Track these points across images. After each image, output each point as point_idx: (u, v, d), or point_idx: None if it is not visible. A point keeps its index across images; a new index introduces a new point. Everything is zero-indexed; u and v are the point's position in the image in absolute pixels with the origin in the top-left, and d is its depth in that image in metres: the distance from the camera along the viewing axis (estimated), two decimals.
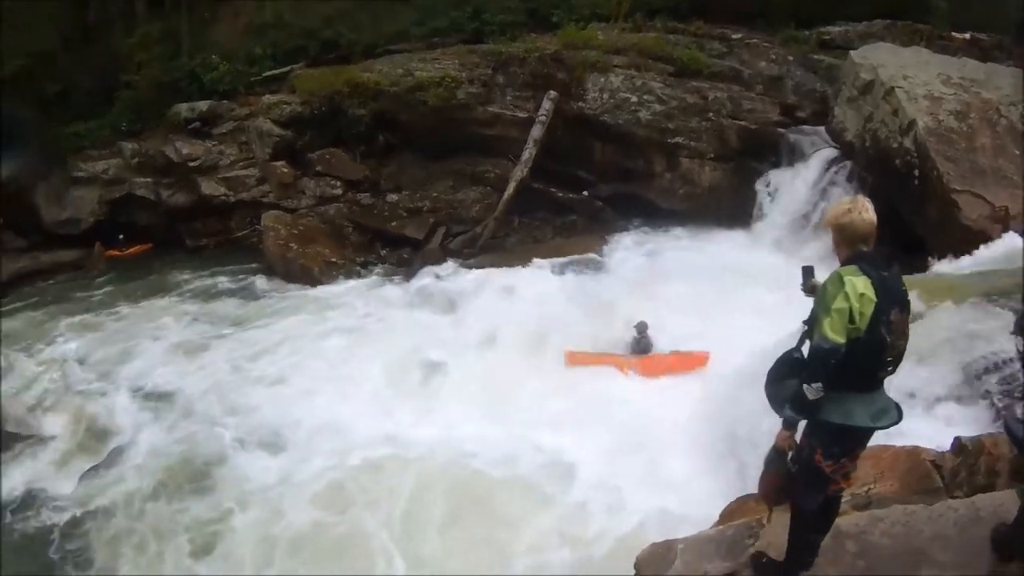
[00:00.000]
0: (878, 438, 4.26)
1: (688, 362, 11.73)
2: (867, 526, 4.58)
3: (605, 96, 17.83)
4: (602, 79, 17.97)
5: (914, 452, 5.64)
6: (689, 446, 9.42)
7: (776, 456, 4.02)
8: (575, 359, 12.33)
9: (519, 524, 8.93)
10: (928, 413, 6.92)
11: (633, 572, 5.31)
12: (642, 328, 12.47)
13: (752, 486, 6.56)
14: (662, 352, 12.18)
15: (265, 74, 22.92)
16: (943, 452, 5.67)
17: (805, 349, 3.94)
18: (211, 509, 10.49)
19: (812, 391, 3.65)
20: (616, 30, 19.39)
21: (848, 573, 4.24)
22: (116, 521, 10.78)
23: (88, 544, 10.47)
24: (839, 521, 4.42)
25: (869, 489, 5.28)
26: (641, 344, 12.36)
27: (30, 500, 11.67)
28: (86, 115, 23.80)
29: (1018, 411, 4.41)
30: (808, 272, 4.22)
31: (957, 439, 5.60)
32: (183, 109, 22.25)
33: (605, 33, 19.13)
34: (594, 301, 14.12)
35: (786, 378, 3.97)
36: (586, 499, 9.10)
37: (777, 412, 4.06)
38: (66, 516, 10.98)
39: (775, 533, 4.45)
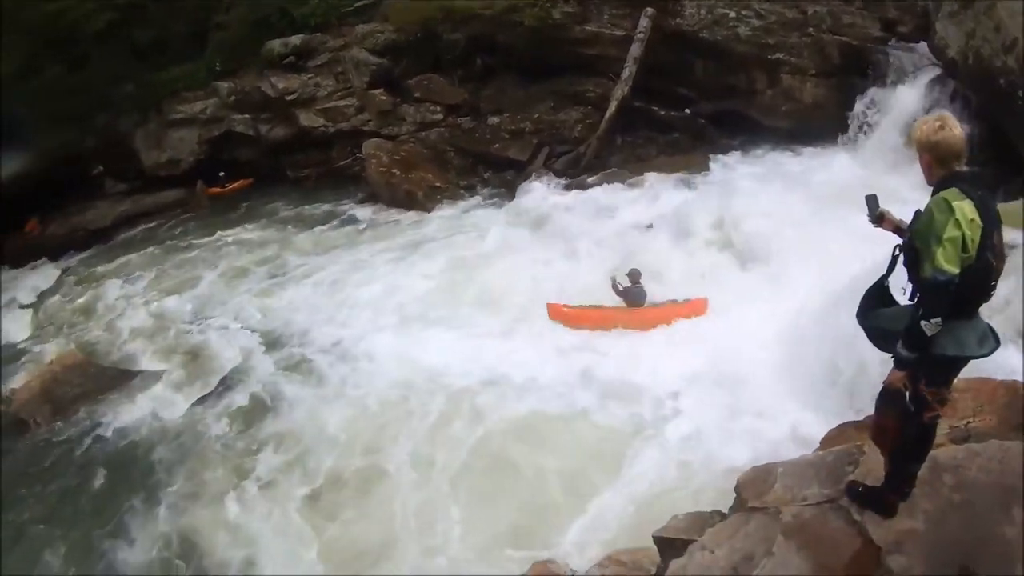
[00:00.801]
0: (977, 368, 4.48)
1: (683, 310, 12.32)
2: (964, 460, 4.78)
3: (703, 12, 18.88)
4: None
5: (1012, 386, 5.75)
6: (788, 372, 10.08)
7: (891, 397, 4.11)
8: (558, 313, 12.95)
9: (624, 451, 9.82)
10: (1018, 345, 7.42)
11: (734, 495, 5.78)
12: (635, 276, 12.80)
13: (852, 413, 7.59)
14: (655, 302, 12.66)
15: (356, 4, 25.61)
16: None
17: (896, 279, 4.19)
18: (317, 435, 11.85)
19: (931, 327, 3.74)
20: None
21: (943, 506, 4.47)
22: (223, 446, 12.33)
23: (192, 467, 12.03)
24: (937, 453, 4.68)
25: (968, 423, 5.40)
26: (631, 293, 12.68)
27: (140, 427, 13.49)
28: (180, 60, 27.10)
29: None
30: (872, 201, 4.32)
31: None
32: (276, 45, 25.24)
33: None
34: (698, 220, 14.89)
35: (877, 308, 4.27)
36: (690, 427, 9.85)
37: (882, 349, 4.23)
38: (174, 443, 12.63)
39: (873, 460, 4.75)
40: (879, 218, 4.33)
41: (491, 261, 15.72)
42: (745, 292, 12.58)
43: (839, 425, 6.40)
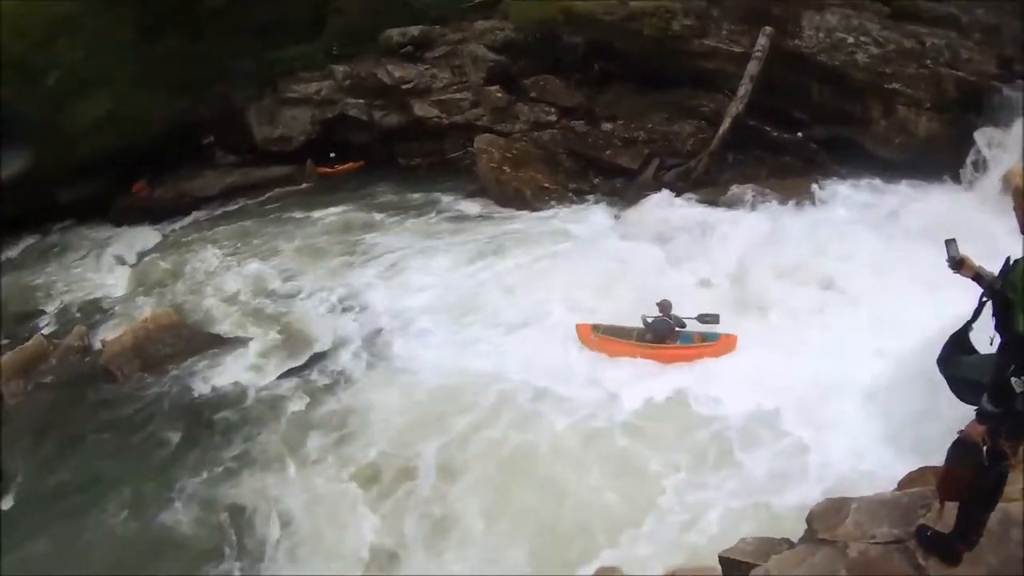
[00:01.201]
0: None
1: (709, 350, 12.92)
2: None
3: (821, 35, 19.63)
4: (817, 17, 19.86)
5: None
6: (873, 410, 10.68)
7: (968, 449, 4.14)
8: (586, 336, 13.70)
9: (712, 463, 10.69)
10: None
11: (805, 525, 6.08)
12: (665, 308, 13.26)
13: (932, 459, 7.13)
14: (687, 332, 13.34)
15: (477, 0, 27.62)
16: None
17: (980, 329, 4.29)
18: (405, 415, 12.95)
19: (1021, 383, 3.79)
20: None
21: (1008, 560, 4.62)
22: (293, 420, 13.53)
23: (259, 436, 13.18)
24: (1009, 507, 4.79)
25: None
26: (656, 326, 13.27)
27: (228, 393, 14.75)
28: (297, 40, 29.46)
29: None
30: (952, 246, 4.34)
31: None
32: (395, 34, 27.40)
33: None
34: (802, 247, 15.58)
35: (959, 356, 4.43)
36: (778, 450, 10.54)
37: (962, 399, 4.32)
38: (251, 410, 13.93)
39: (947, 506, 4.81)
40: (958, 264, 4.36)
41: (590, 265, 16.59)
42: (830, 326, 13.32)
43: (920, 468, 6.63)
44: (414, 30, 27.12)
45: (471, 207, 22.23)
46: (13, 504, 13.13)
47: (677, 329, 13.37)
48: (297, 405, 14.03)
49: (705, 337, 13.24)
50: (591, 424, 11.91)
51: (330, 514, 11.28)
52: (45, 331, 21.36)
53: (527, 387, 12.96)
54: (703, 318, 13.35)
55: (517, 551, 9.92)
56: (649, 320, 13.38)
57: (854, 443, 10.43)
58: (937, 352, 5.02)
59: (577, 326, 14.18)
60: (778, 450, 10.73)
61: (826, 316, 13.83)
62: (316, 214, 25.24)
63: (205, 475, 12.64)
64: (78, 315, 22.75)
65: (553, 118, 23.54)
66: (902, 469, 7.35)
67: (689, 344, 13.18)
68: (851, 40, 19.55)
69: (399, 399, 13.49)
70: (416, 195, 24.59)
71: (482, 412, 12.57)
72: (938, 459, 6.64)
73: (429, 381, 13.81)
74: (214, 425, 13.96)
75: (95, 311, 22.85)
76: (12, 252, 33.73)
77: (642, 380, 12.71)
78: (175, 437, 13.94)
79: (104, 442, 14.35)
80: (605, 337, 13.75)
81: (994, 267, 4.42)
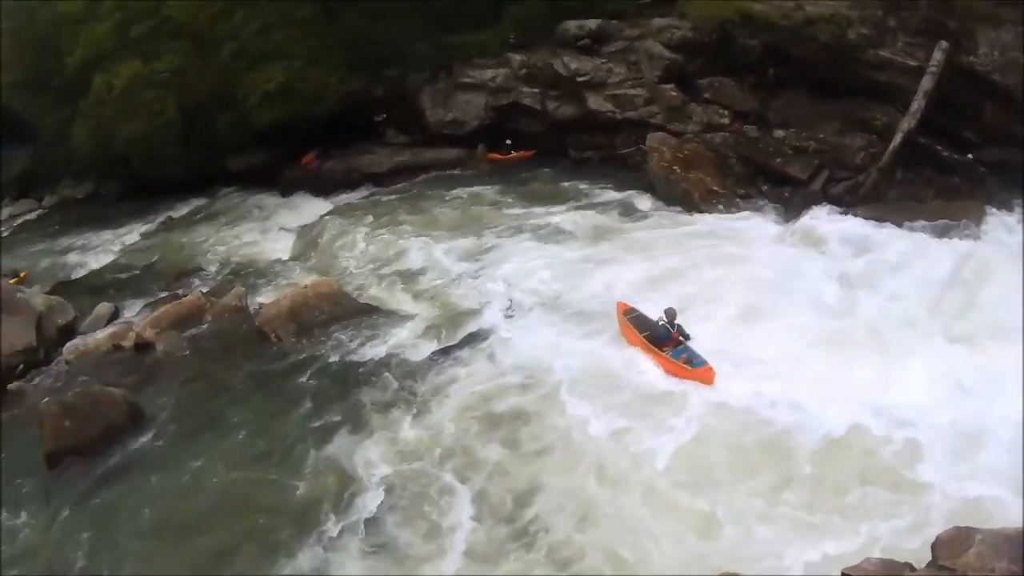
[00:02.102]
0: None
1: (690, 374, 14.56)
2: None
3: (996, 53, 20.57)
4: (993, 33, 20.76)
5: None
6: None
7: None
8: (618, 312, 16.08)
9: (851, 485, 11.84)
10: None
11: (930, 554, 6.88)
12: (669, 314, 15.31)
13: None
14: (684, 347, 15.16)
15: None
16: None
17: None
18: (549, 404, 14.55)
19: None
20: None
21: None
22: (454, 400, 15.09)
23: (424, 406, 14.92)
24: None
25: None
26: (656, 329, 15.40)
27: (377, 365, 16.67)
28: (475, 27, 33.80)
29: None
30: None
31: None
32: (572, 26, 31.54)
33: None
34: (965, 277, 16.68)
35: None
36: (928, 475, 11.53)
37: None
38: (401, 385, 15.69)
39: None
40: None
41: (752, 272, 18.12)
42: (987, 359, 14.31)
43: None
44: (592, 23, 31.13)
45: (639, 203, 24.45)
46: (151, 438, 15.62)
47: (682, 340, 15.34)
48: (442, 384, 15.67)
49: (690, 360, 14.89)
50: (779, 437, 13.08)
51: (427, 500, 12.93)
52: (204, 289, 25.29)
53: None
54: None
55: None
56: (660, 322, 15.58)
57: (995, 472, 11.34)
58: None
59: (617, 303, 16.69)
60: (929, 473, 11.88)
61: (977, 348, 14.82)
62: (484, 198, 28.92)
63: (334, 439, 14.50)
64: (238, 277, 26.75)
65: (726, 121, 26.11)
66: None
67: (676, 359, 14.97)
68: None
69: (529, 387, 15.18)
70: (585, 187, 27.68)
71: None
72: None
73: (566, 370, 15.47)
74: (356, 393, 15.79)
75: (255, 274, 26.77)
76: (178, 212, 39.82)
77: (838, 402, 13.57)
78: (315, 399, 15.82)
79: (246, 395, 16.54)
80: (626, 322, 16.13)
81: None
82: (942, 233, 18.99)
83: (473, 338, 17.42)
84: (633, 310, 16.63)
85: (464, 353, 16.82)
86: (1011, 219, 19.70)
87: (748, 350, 15.59)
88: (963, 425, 12.51)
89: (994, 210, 20.06)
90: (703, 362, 14.81)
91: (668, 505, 12.16)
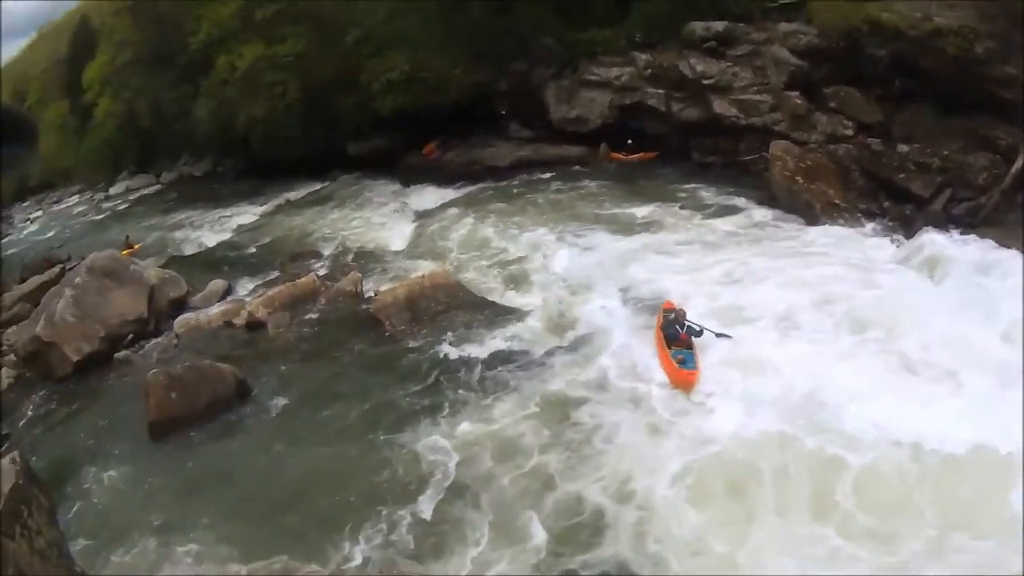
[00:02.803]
0: None
1: (675, 375, 15.62)
2: None
3: None
4: None
5: None
6: None
7: None
8: (657, 322, 17.08)
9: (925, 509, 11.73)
10: None
11: None
12: (680, 315, 16.72)
13: None
14: (681, 350, 16.16)
15: (782, 1, 33.38)
16: None
17: None
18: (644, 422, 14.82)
19: None
20: None
21: None
22: (568, 393, 15.66)
23: (507, 412, 15.46)
24: None
25: None
26: (667, 328, 16.63)
27: (489, 359, 17.51)
28: (600, 23, 36.58)
29: None
30: None
31: None
32: (698, 27, 33.97)
33: None
34: None
35: None
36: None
37: None
38: (529, 387, 16.16)
39: None
40: None
41: (870, 293, 18.23)
42: None
43: None
44: (718, 25, 33.43)
45: (759, 213, 25.46)
46: (255, 415, 16.85)
47: (692, 339, 16.54)
48: (550, 384, 16.17)
49: (684, 362, 15.84)
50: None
51: (508, 509, 13.18)
52: (319, 272, 27.40)
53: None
54: (720, 334, 16.78)
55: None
56: (676, 323, 16.78)
57: None
58: None
59: (665, 302, 18.02)
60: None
61: None
62: (606, 197, 31.08)
63: (437, 429, 15.25)
64: (354, 262, 28.99)
65: (850, 132, 27.21)
66: None
67: (672, 358, 16.04)
68: None
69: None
70: (707, 193, 28.49)
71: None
72: None
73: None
74: (465, 385, 16.52)
75: (370, 261, 28.99)
76: (295, 194, 43.51)
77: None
78: (424, 389, 16.60)
79: (356, 380, 17.47)
80: (659, 319, 17.41)
81: None
82: None
83: (587, 340, 18.02)
84: (672, 310, 17.45)
85: (577, 355, 17.39)
86: None
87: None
88: None
89: None
90: (693, 367, 15.79)
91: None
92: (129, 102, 52.22)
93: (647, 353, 17.11)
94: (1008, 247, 19.91)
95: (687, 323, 16.85)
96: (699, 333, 16.82)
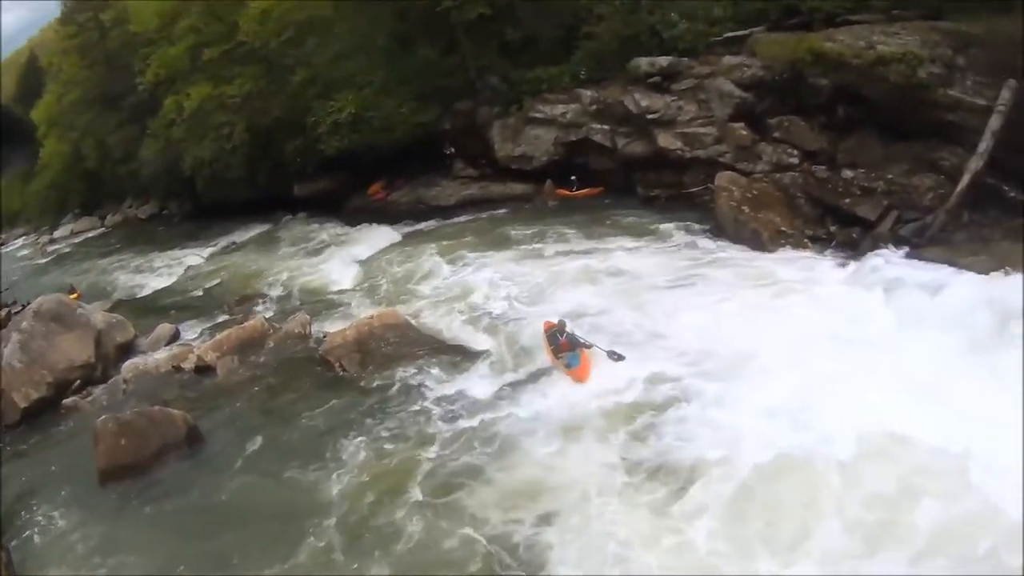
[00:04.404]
0: None
1: (568, 372, 16.79)
2: None
3: None
4: None
5: None
6: None
7: None
8: (544, 337, 18.03)
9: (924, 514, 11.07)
10: None
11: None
12: (561, 325, 17.65)
13: None
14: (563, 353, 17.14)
15: (726, 35, 32.37)
16: None
17: None
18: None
19: None
20: None
21: None
22: (518, 430, 15.19)
23: (494, 446, 14.89)
24: None
25: None
26: (551, 338, 17.70)
27: (448, 397, 16.90)
28: (545, 61, 35.43)
29: None
30: None
31: None
32: (643, 63, 32.80)
33: None
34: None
35: None
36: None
37: None
38: (476, 423, 15.69)
39: None
40: None
41: (812, 316, 18.25)
42: None
43: None
44: (663, 60, 32.30)
45: (706, 243, 24.72)
46: (207, 461, 16.28)
47: (574, 344, 17.40)
48: (502, 424, 15.69)
49: (569, 363, 16.98)
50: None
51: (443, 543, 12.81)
52: (267, 314, 26.52)
53: None
54: (611, 354, 17.17)
55: None
56: (558, 334, 17.65)
57: None
58: None
59: (544, 322, 18.67)
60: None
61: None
62: (551, 234, 29.93)
63: (389, 471, 14.79)
64: (302, 303, 28.03)
65: (795, 160, 26.59)
66: None
67: (559, 360, 17.36)
68: None
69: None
70: (653, 226, 27.37)
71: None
72: None
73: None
74: (416, 426, 16.12)
75: (318, 302, 27.92)
76: (242, 236, 41.86)
77: None
78: (376, 431, 16.08)
79: (307, 423, 17.10)
80: (544, 336, 18.41)
81: None
82: (1008, 274, 18.39)
83: (537, 376, 17.75)
84: (552, 327, 18.23)
85: (527, 393, 17.07)
86: None
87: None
88: None
89: None
90: (577, 364, 16.89)
91: None
92: (76, 143, 50.49)
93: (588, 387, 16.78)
94: (955, 264, 19.77)
95: (567, 332, 17.60)
96: (586, 345, 17.58)
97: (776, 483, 12.22)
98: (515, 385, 17.51)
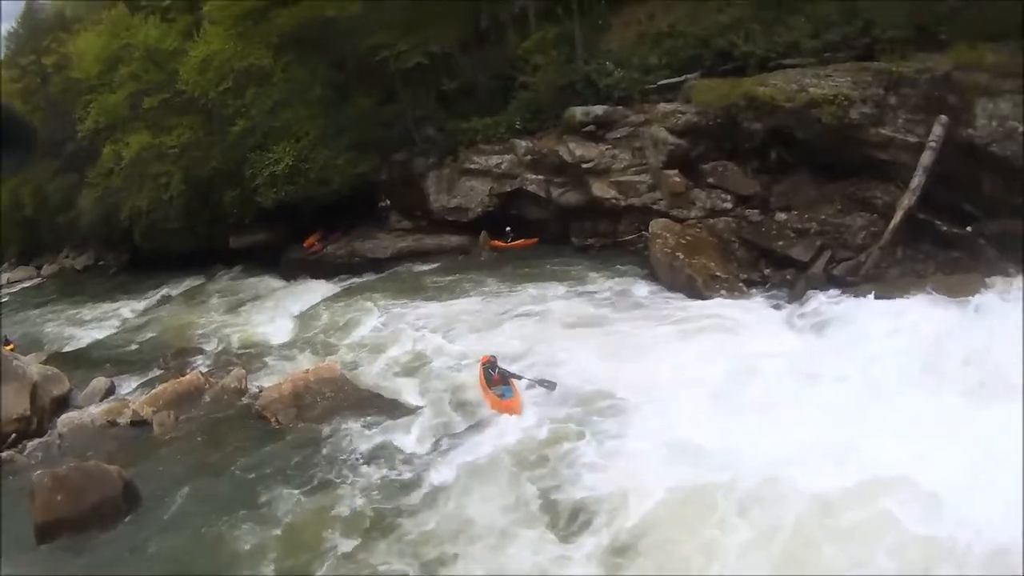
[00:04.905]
0: None
1: (498, 405, 17.09)
2: None
3: (994, 123, 21.03)
4: (991, 104, 21.18)
5: None
6: None
7: None
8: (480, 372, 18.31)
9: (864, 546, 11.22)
10: None
11: None
12: (492, 361, 18.00)
13: None
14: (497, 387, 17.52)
15: (660, 83, 31.80)
16: None
17: None
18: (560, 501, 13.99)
19: None
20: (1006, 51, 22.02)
21: None
22: (454, 488, 14.63)
23: (422, 503, 14.43)
24: None
25: None
26: (487, 375, 17.89)
27: (386, 454, 16.27)
28: (482, 112, 34.62)
29: None
30: None
31: None
32: (578, 112, 32.02)
33: (996, 54, 21.98)
34: (948, 357, 16.48)
35: None
36: (944, 533, 11.10)
37: None
38: (409, 474, 15.35)
39: None
40: None
41: (747, 358, 18.07)
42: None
43: None
44: (598, 109, 31.51)
45: (642, 290, 24.53)
46: (144, 516, 15.67)
47: (507, 378, 17.86)
48: (436, 477, 15.40)
49: (503, 394, 17.35)
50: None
51: None
52: (203, 368, 25.56)
53: None
54: (542, 382, 17.62)
55: None
56: (494, 368, 17.98)
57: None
58: None
59: (482, 356, 18.85)
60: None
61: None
62: (486, 286, 29.17)
63: (326, 528, 14.42)
64: (238, 357, 26.92)
65: (729, 205, 26.38)
66: None
67: (494, 393, 17.60)
68: None
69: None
70: (586, 274, 27.02)
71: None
72: None
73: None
74: (351, 481, 15.71)
75: (255, 356, 26.89)
76: (178, 288, 40.48)
77: None
78: (311, 486, 15.72)
79: (242, 478, 16.51)
80: (480, 371, 18.57)
81: None
82: (942, 306, 19.29)
83: (464, 422, 17.63)
84: (486, 362, 18.49)
85: (453, 439, 16.92)
86: (1011, 289, 19.79)
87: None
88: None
89: (994, 280, 20.28)
90: (511, 396, 17.27)
91: None
92: (13, 190, 48.40)
93: (517, 425, 16.87)
94: (890, 298, 20.10)
95: (499, 368, 18.07)
96: (517, 376, 18.10)
97: (675, 516, 12.49)
98: (443, 432, 17.37)
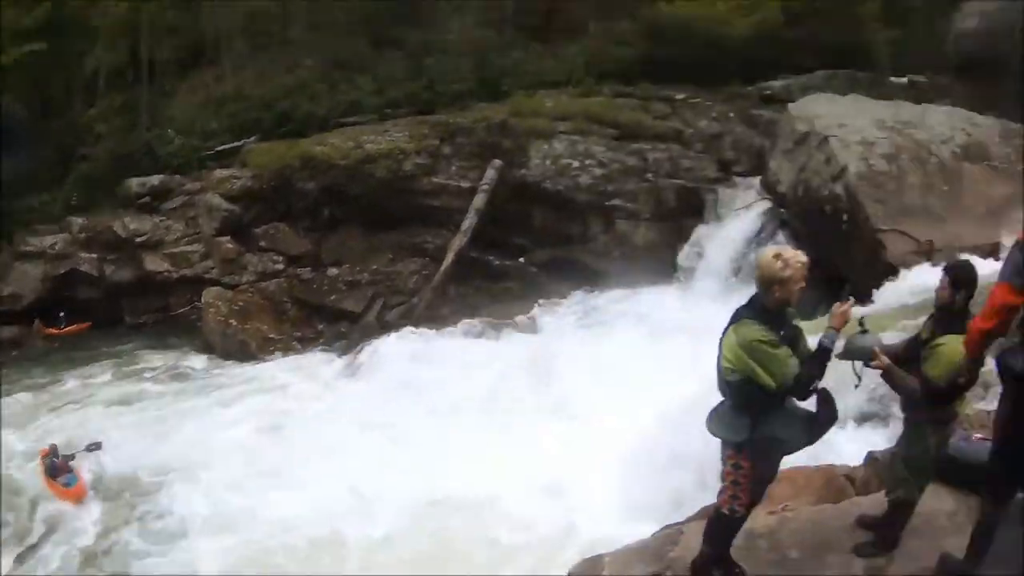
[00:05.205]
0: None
1: (64, 495, 15.45)
2: (777, 526, 6.53)
3: (547, 162, 23.03)
4: (545, 146, 23.31)
5: (828, 470, 7.72)
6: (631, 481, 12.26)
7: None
8: (42, 475, 16.18)
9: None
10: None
11: None
12: (53, 449, 16.23)
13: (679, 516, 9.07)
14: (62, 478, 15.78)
15: (218, 148, 29.72)
16: (857, 466, 7.73)
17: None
18: None
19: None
20: (565, 96, 24.99)
21: (762, 568, 6.10)
22: None
23: None
24: (752, 525, 6.28)
25: (785, 507, 7.07)
26: (52, 466, 16.08)
27: None
28: (42, 188, 30.86)
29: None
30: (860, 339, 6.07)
31: (870, 453, 7.72)
32: (134, 184, 29.17)
33: (554, 99, 24.69)
34: (514, 366, 17.75)
35: None
36: (527, 539, 11.95)
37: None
38: None
39: (693, 540, 6.27)
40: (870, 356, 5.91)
41: (291, 415, 18.37)
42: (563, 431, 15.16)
43: (666, 525, 8.02)
44: (154, 180, 28.94)
45: (195, 362, 23.40)
46: None
47: (71, 464, 16.16)
48: None
49: (68, 483, 15.66)
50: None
51: None
52: None
53: None
54: (89, 447, 16.74)
55: None
56: (57, 456, 16.28)
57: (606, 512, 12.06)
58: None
59: (41, 449, 17.07)
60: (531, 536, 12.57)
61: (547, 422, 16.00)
62: (33, 377, 25.78)
63: None
64: None
65: (280, 267, 25.48)
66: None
67: (58, 483, 15.76)
68: (576, 164, 23.13)
69: None
70: (140, 352, 25.58)
71: None
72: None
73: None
74: None
75: None
76: None
77: None
78: None
79: None
80: (40, 464, 16.70)
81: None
82: (495, 333, 20.54)
83: (49, 532, 15.42)
84: (46, 455, 16.70)
85: (40, 549, 14.90)
86: (560, 306, 21.91)
87: None
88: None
89: (544, 302, 22.06)
90: (76, 482, 15.73)
91: None
92: None
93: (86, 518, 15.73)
94: (441, 334, 20.98)
95: (62, 454, 16.40)
96: (72, 457, 16.59)
97: None
98: (22, 558, 15.01)
